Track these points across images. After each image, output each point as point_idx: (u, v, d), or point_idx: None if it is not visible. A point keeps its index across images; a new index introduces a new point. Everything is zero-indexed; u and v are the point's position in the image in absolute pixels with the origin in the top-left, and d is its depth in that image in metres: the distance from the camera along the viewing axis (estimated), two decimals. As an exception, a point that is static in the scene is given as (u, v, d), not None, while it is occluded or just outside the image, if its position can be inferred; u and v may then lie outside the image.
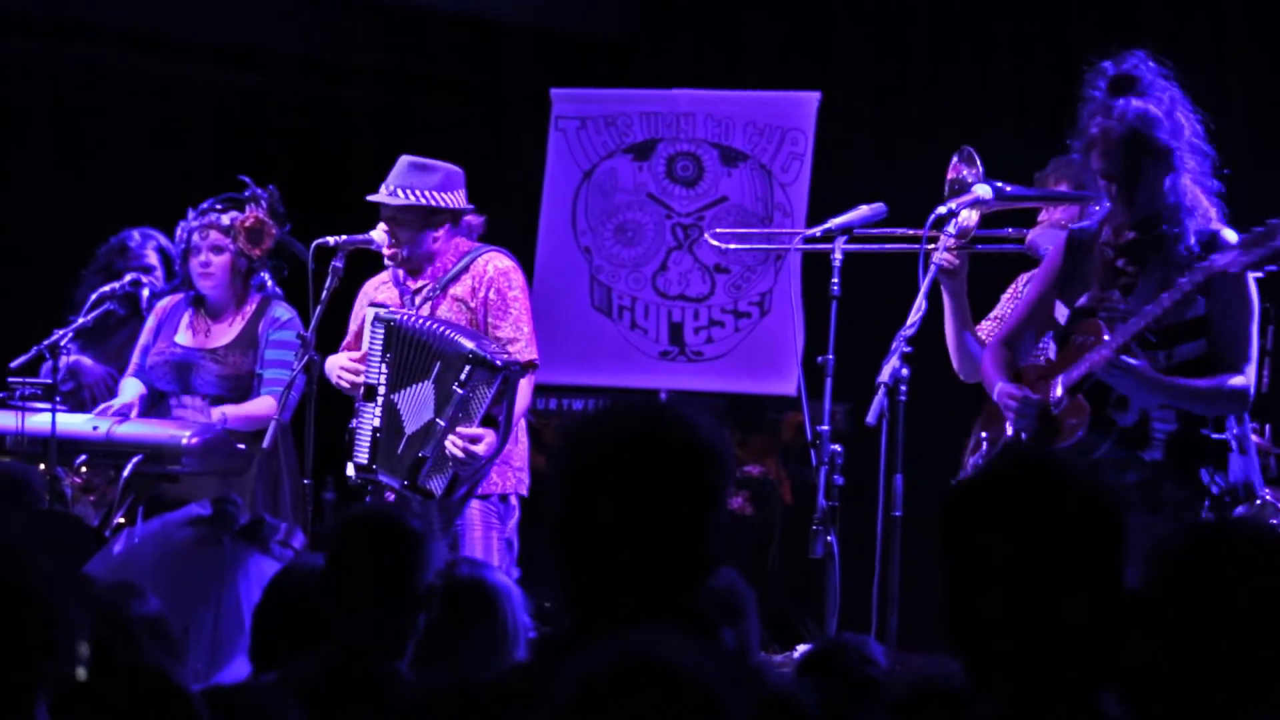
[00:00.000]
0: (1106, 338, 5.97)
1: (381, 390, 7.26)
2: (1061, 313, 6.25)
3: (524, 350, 7.29)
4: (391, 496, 7.28)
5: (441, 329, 7.22)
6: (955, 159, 6.72)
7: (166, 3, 10.44)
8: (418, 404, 7.21)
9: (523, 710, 2.50)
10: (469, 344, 7.15)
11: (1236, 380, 5.99)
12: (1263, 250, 5.81)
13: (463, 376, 7.14)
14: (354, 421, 7.33)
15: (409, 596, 4.14)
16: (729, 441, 3.20)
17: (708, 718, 2.44)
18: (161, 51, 10.65)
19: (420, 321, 7.27)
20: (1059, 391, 6.07)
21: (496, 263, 7.43)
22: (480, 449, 7.18)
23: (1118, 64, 6.09)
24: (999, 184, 6.67)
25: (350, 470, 7.36)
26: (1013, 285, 7.10)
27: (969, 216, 6.65)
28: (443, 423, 7.15)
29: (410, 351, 7.22)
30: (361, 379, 7.29)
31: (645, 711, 2.43)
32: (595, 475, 3.08)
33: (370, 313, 7.34)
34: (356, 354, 7.38)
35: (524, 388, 7.31)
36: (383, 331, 7.26)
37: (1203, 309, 5.98)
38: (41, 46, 10.52)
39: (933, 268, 6.56)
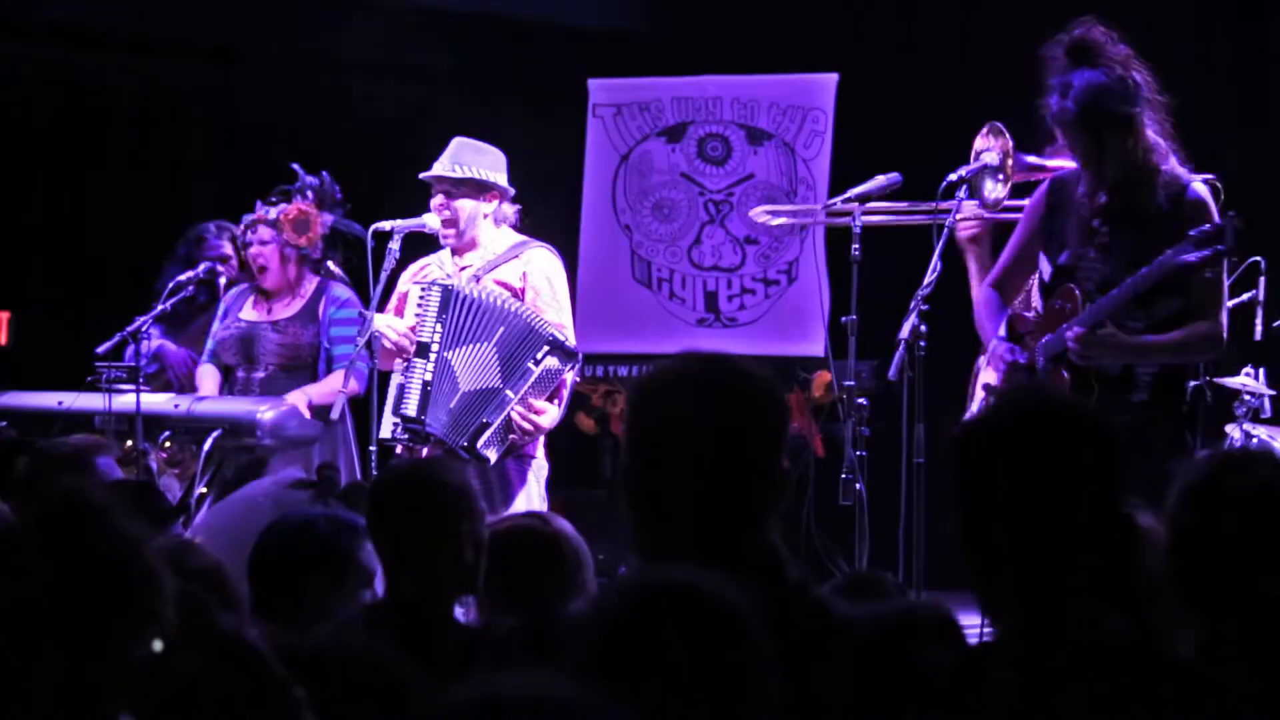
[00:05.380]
0: (1070, 331, 5.88)
1: (435, 348, 7.18)
2: (1046, 268, 6.16)
3: (569, 337, 7.23)
4: (425, 452, 7.15)
5: (501, 300, 7.17)
6: (984, 130, 6.64)
7: (233, 18, 10.41)
8: (476, 364, 7.13)
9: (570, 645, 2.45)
10: (546, 326, 7.10)
11: (1201, 326, 5.89)
12: (1210, 250, 5.71)
13: (539, 355, 7.09)
14: (400, 377, 7.22)
15: (454, 548, 4.06)
16: (783, 396, 3.17)
17: (731, 638, 2.40)
18: (239, 62, 10.65)
19: (478, 289, 7.21)
20: (1042, 359, 6.03)
21: (546, 256, 7.39)
22: (545, 422, 7.14)
23: (1069, 32, 6.00)
24: (1023, 156, 6.58)
25: (387, 424, 7.20)
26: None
27: (994, 188, 6.57)
28: (512, 394, 7.08)
29: (467, 314, 7.14)
30: (409, 335, 7.18)
31: (667, 629, 2.40)
32: (661, 425, 3.06)
33: (416, 289, 7.27)
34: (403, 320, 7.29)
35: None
36: (439, 295, 7.19)
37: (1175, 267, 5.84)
38: (124, 57, 10.51)
39: (945, 230, 6.51)
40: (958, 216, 6.61)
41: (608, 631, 2.40)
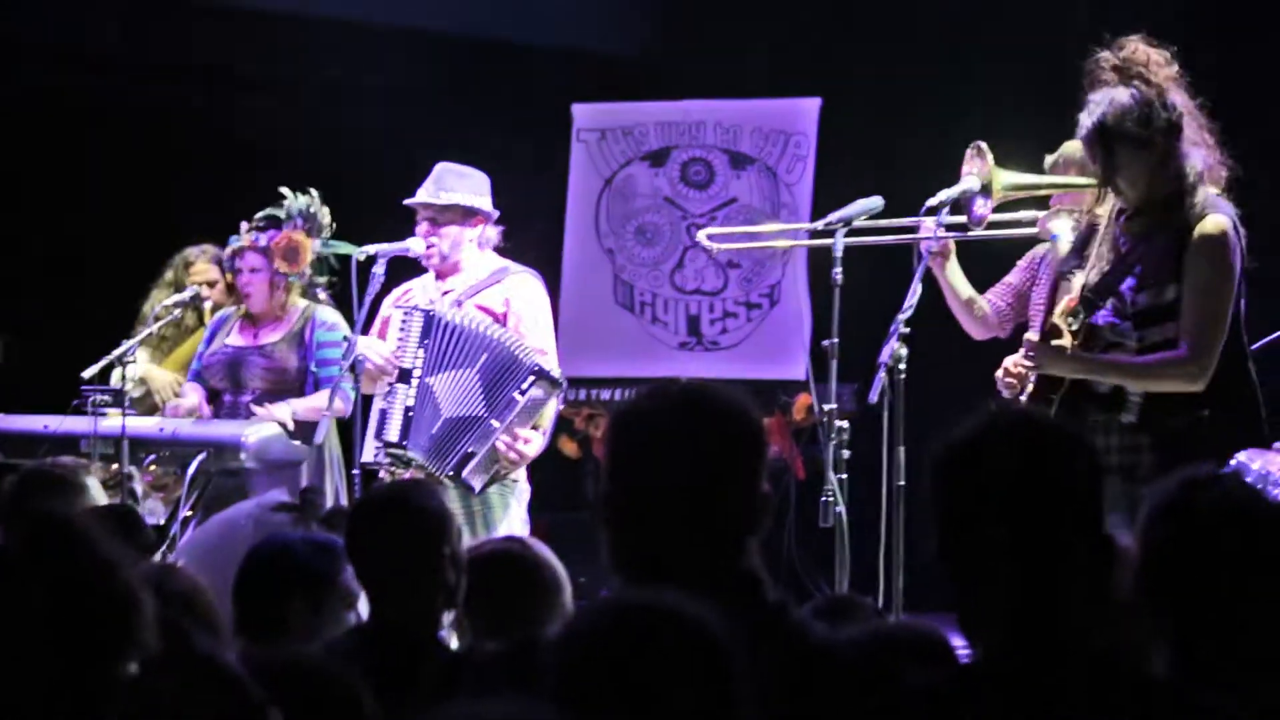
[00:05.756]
0: (1026, 336, 5.87)
1: (416, 374, 7.18)
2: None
3: (552, 365, 7.22)
4: (407, 475, 7.15)
5: (484, 326, 7.16)
6: (968, 152, 6.64)
7: (226, 40, 10.41)
8: (458, 390, 7.13)
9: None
10: (530, 354, 7.10)
11: (1167, 353, 5.72)
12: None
13: (524, 384, 7.08)
14: (382, 402, 7.23)
15: (435, 571, 4.07)
16: (761, 417, 3.18)
17: (704, 662, 2.41)
18: (230, 83, 10.66)
19: (460, 315, 7.20)
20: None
21: (529, 281, 7.39)
22: (531, 450, 7.14)
23: (1115, 51, 5.93)
24: (1005, 174, 6.57)
25: (370, 449, 7.22)
26: (1028, 255, 7.01)
27: (982, 205, 6.57)
28: (498, 424, 7.07)
29: (449, 340, 7.14)
30: (392, 359, 7.18)
31: (640, 652, 2.42)
32: (640, 451, 3.09)
33: (398, 313, 7.27)
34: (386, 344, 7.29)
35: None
36: (421, 321, 7.19)
37: (1175, 294, 5.75)
38: (121, 81, 10.52)
39: (923, 256, 6.52)
40: (929, 239, 6.62)
41: (580, 654, 2.42)
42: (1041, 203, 6.90)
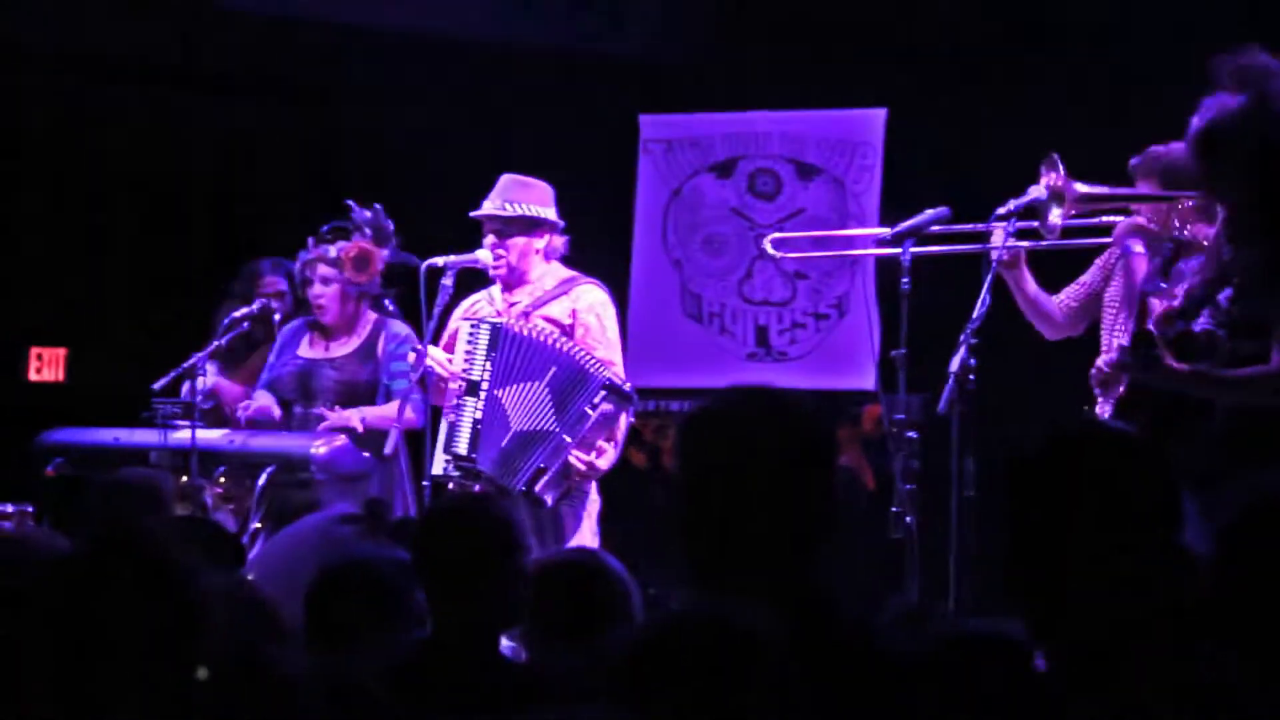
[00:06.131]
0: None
1: (485, 386, 7.18)
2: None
3: (620, 375, 7.21)
4: (478, 488, 7.14)
5: (552, 339, 7.16)
6: (1043, 165, 6.59)
7: (289, 51, 10.45)
8: (528, 403, 7.13)
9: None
10: (601, 369, 7.10)
11: (1261, 368, 5.55)
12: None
13: (595, 399, 7.08)
14: (451, 415, 7.23)
15: (499, 584, 4.05)
16: (832, 428, 3.16)
17: (753, 672, 2.40)
18: (297, 100, 10.71)
19: (527, 327, 7.20)
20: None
21: (595, 293, 7.38)
22: (603, 464, 7.14)
23: (1235, 56, 5.81)
24: (1074, 185, 6.52)
25: (439, 461, 7.22)
26: (1103, 255, 6.97)
27: (1056, 215, 6.53)
28: (570, 439, 7.07)
29: (517, 353, 7.15)
30: (460, 370, 7.19)
31: (691, 661, 2.43)
32: (713, 460, 3.07)
33: (465, 325, 7.27)
34: (452, 355, 7.30)
35: (621, 410, 7.28)
36: (488, 333, 7.19)
37: (1273, 307, 5.56)
38: (199, 100, 10.58)
39: (992, 265, 6.49)
40: (999, 247, 6.59)
41: (646, 666, 2.41)
42: (1121, 209, 6.86)
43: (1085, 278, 6.96)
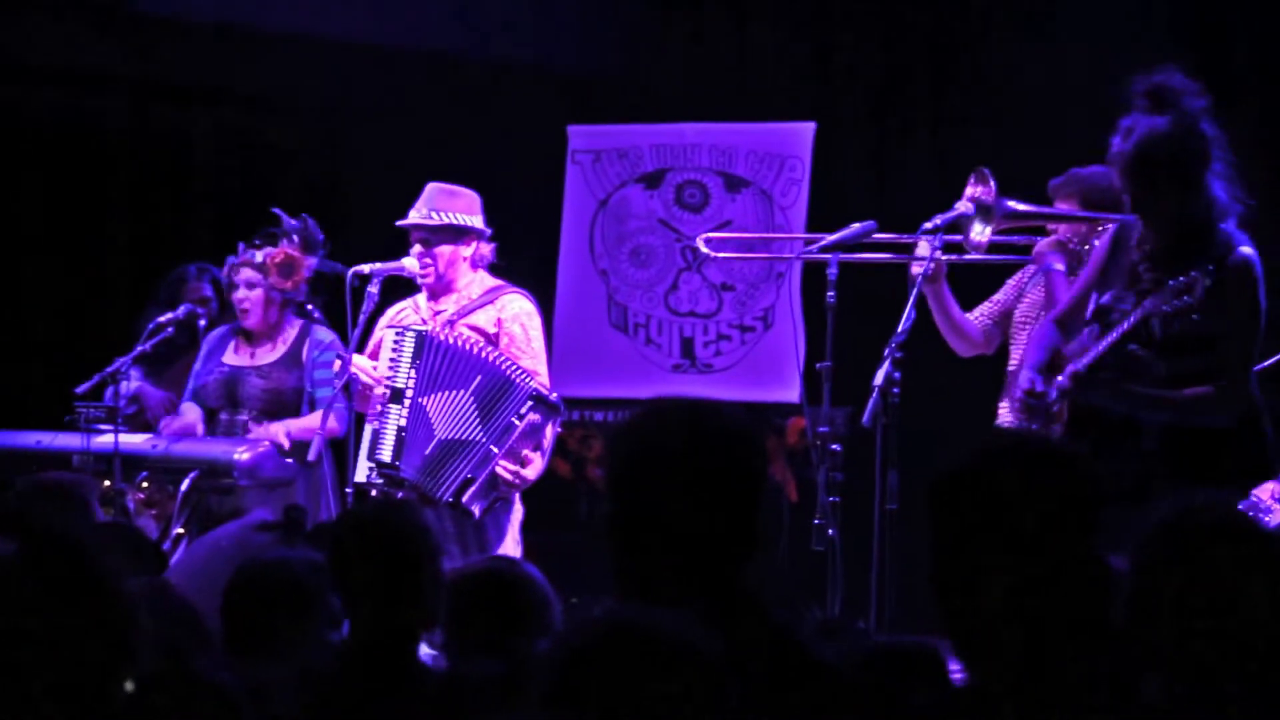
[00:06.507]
0: (1069, 368, 5.78)
1: (409, 394, 7.16)
2: (1090, 308, 6.01)
3: (545, 385, 7.20)
4: (401, 495, 7.12)
5: (477, 347, 7.14)
6: (971, 178, 6.60)
7: (226, 61, 10.41)
8: (452, 411, 7.11)
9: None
10: (527, 379, 7.08)
11: (1205, 390, 5.64)
12: (1181, 302, 5.58)
13: (523, 410, 7.07)
14: (375, 423, 7.21)
15: (413, 590, 4.04)
16: (762, 439, 3.17)
17: (689, 675, 2.40)
18: (225, 104, 10.66)
19: (452, 336, 7.19)
20: (1054, 394, 5.87)
21: (521, 302, 7.37)
22: (531, 474, 7.13)
23: (1149, 76, 5.83)
24: (1006, 201, 6.55)
25: (363, 469, 7.20)
26: (1017, 274, 7.02)
27: (981, 230, 6.55)
28: (497, 449, 7.05)
29: (441, 361, 7.13)
30: (384, 378, 7.17)
31: (620, 668, 2.43)
32: (643, 468, 3.08)
33: (390, 333, 7.25)
34: (377, 363, 7.28)
35: (546, 418, 7.27)
36: (413, 341, 7.18)
37: (1205, 326, 5.63)
38: (116, 100, 10.51)
39: (917, 279, 6.52)
40: (922, 262, 6.61)
41: (571, 671, 2.41)
42: (1040, 229, 6.90)
43: (999, 295, 7.01)
